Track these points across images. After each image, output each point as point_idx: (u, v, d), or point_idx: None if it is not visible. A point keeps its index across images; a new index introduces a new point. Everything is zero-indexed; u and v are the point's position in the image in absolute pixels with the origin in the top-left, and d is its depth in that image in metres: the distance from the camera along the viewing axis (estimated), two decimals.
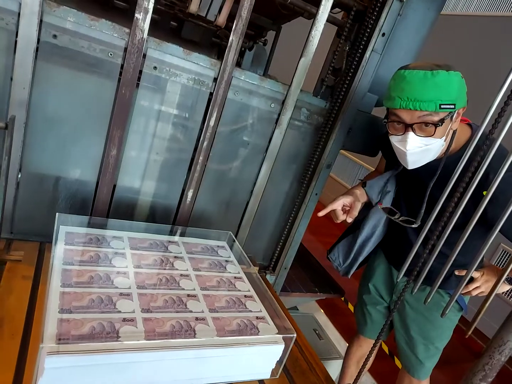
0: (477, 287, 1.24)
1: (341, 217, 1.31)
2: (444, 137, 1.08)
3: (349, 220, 1.32)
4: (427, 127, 1.04)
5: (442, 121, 1.02)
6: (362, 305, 1.64)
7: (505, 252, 3.42)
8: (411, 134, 1.06)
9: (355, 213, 1.31)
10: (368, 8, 1.36)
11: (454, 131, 1.13)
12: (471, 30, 4.16)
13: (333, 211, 1.32)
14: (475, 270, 1.20)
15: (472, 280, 1.24)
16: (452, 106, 1.02)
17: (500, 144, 0.70)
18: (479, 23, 4.12)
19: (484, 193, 0.77)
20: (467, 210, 0.75)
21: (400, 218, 1.25)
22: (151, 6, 1.04)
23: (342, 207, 1.33)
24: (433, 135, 1.05)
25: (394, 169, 1.36)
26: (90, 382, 0.73)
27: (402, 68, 1.06)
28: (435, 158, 1.14)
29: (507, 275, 0.86)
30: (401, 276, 0.95)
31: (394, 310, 1.05)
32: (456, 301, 1.24)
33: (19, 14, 0.94)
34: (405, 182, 1.35)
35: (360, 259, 1.48)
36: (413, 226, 1.20)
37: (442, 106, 1.00)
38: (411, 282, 0.96)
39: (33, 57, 1.00)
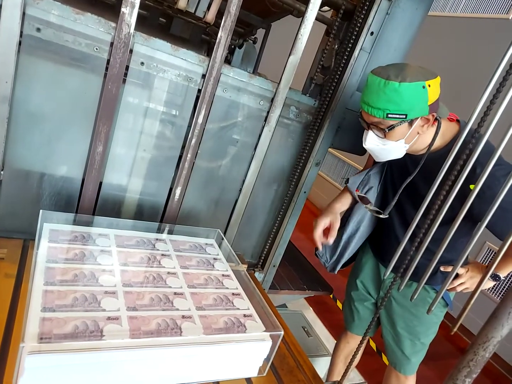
0: (462, 283, 1.26)
1: (320, 242, 1.37)
2: (402, 140, 1.13)
3: (330, 240, 1.36)
4: (383, 131, 1.11)
5: (391, 127, 1.09)
6: (350, 301, 1.65)
7: (490, 250, 3.48)
8: (370, 132, 1.16)
9: (334, 233, 1.36)
10: (357, 7, 1.36)
11: (437, 129, 1.15)
12: (458, 31, 4.22)
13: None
14: (460, 266, 1.22)
15: (457, 276, 1.26)
16: (403, 116, 1.06)
17: (487, 141, 0.71)
18: (467, 25, 4.17)
19: (471, 187, 0.78)
20: (453, 204, 0.76)
21: (371, 208, 1.30)
22: (137, 0, 1.02)
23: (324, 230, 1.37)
24: (385, 137, 1.13)
25: (379, 165, 1.38)
26: (73, 382, 0.72)
27: (373, 69, 1.10)
28: (401, 156, 1.20)
29: (491, 272, 0.87)
30: (388, 272, 0.96)
31: (381, 307, 1.06)
32: (442, 297, 1.26)
33: (0, 6, 0.92)
34: (393, 174, 1.37)
35: (346, 254, 1.49)
36: (381, 216, 1.26)
37: (389, 115, 1.07)
38: (398, 279, 0.96)
39: (16, 50, 0.97)
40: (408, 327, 1.44)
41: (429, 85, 1.04)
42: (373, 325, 1.08)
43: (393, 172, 1.37)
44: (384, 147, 1.16)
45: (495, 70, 0.68)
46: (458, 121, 1.23)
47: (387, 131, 1.10)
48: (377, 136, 1.15)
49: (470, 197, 0.73)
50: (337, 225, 1.36)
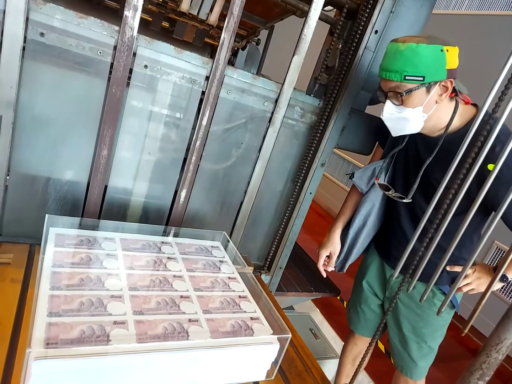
0: (468, 283, 1.24)
1: (323, 271, 1.53)
2: (420, 108, 1.12)
3: (330, 269, 1.52)
4: (400, 96, 1.10)
5: (408, 91, 1.08)
6: (356, 303, 1.64)
7: (499, 249, 3.43)
8: (387, 102, 1.15)
9: (332, 262, 1.50)
10: (360, 6, 1.35)
11: (455, 108, 1.15)
12: (463, 29, 4.18)
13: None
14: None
15: (464, 277, 1.24)
16: (420, 78, 1.06)
17: (503, 123, 0.69)
18: (471, 22, 4.14)
19: (489, 167, 0.73)
20: (469, 188, 0.74)
21: (394, 194, 1.31)
22: (140, 3, 1.02)
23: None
24: (402, 104, 1.12)
25: (384, 160, 1.38)
26: None
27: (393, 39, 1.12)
28: (418, 129, 1.18)
29: (502, 272, 0.86)
30: (396, 273, 0.94)
31: (389, 311, 1.04)
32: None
33: (4, 11, 0.92)
34: (404, 161, 1.34)
35: (354, 252, 1.48)
36: (404, 201, 1.26)
37: (406, 78, 1.06)
38: (406, 280, 0.95)
39: (20, 55, 0.98)
40: (414, 329, 1.42)
41: (447, 50, 1.04)
42: (381, 328, 1.07)
43: (404, 160, 1.34)
44: (400, 115, 1.14)
45: (509, 56, 0.66)
46: (475, 105, 1.22)
47: (404, 94, 1.09)
48: (394, 104, 1.13)
49: (490, 177, 0.69)
50: (336, 253, 1.49)
